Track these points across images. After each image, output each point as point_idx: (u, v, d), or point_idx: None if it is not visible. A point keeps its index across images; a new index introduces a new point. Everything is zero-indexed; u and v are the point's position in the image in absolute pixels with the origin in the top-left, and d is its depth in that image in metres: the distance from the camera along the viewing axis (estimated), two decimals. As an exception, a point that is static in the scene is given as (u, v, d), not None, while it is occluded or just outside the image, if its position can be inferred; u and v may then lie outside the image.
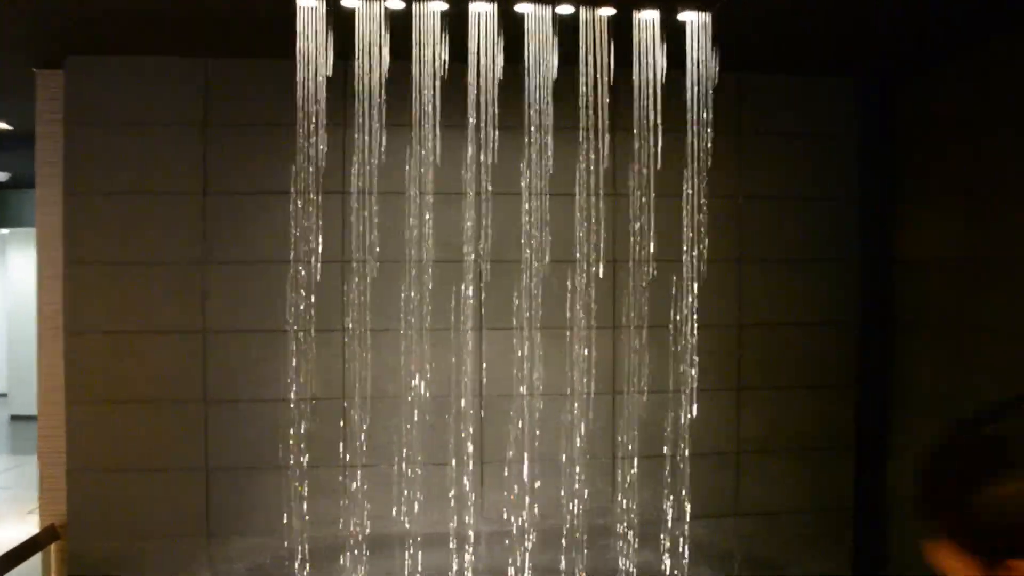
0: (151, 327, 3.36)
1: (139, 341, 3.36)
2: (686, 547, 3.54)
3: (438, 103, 2.99)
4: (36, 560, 3.27)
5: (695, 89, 2.99)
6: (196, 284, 3.38)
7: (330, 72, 2.91)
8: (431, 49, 2.75)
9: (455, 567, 3.44)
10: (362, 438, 3.41)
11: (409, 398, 3.41)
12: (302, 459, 3.38)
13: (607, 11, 2.68)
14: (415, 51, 2.76)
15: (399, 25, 2.71)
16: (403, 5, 2.65)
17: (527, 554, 3.48)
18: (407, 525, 3.43)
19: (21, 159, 5.97)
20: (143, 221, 3.37)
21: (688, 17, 2.74)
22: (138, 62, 3.36)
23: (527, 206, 3.39)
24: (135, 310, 3.36)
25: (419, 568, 3.43)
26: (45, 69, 3.39)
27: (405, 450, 3.43)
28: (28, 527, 4.58)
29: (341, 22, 2.72)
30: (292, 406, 3.37)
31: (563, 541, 3.49)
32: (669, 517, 3.54)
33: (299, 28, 2.72)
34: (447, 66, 2.88)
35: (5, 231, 9.92)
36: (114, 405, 3.34)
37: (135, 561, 3.35)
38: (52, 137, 3.40)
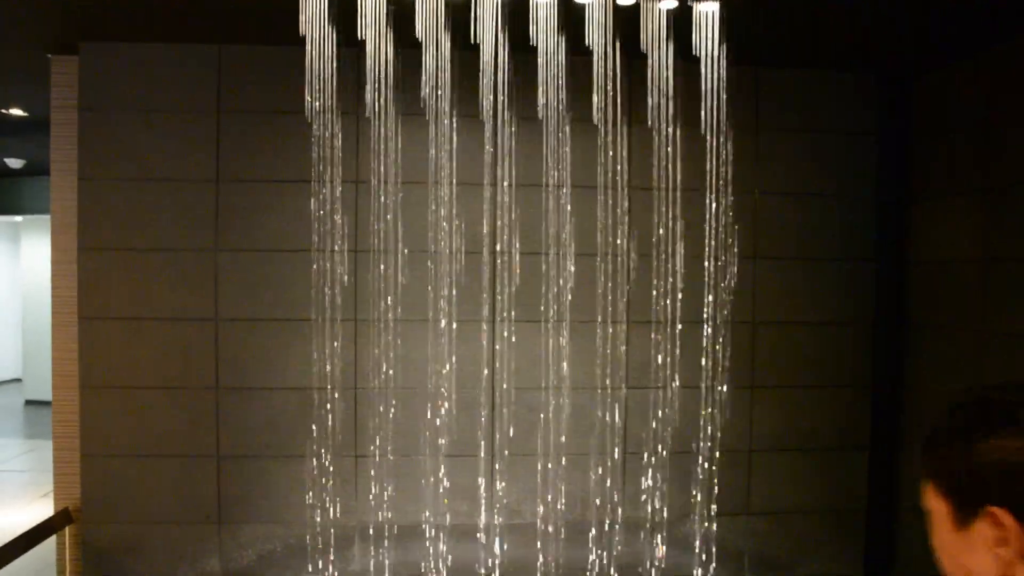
0: (163, 314, 3.37)
1: (151, 328, 3.37)
2: (698, 544, 3.52)
3: (445, 92, 2.97)
4: (51, 542, 3.30)
5: (712, 83, 2.95)
6: (208, 272, 3.39)
7: (343, 59, 2.90)
8: (449, 36, 2.72)
9: (465, 559, 3.45)
10: (373, 427, 3.42)
11: (423, 388, 3.41)
12: (314, 448, 3.39)
13: (624, 1, 2.65)
14: (433, 37, 2.74)
15: (412, 13, 2.69)
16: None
17: (536, 547, 3.48)
18: (422, 515, 3.44)
19: (36, 146, 6.01)
20: (156, 208, 3.38)
21: (707, 8, 2.70)
22: (152, 49, 3.35)
23: (548, 198, 3.37)
24: (148, 297, 3.37)
25: (434, 559, 3.44)
26: (60, 55, 3.40)
27: (420, 440, 3.43)
28: (43, 510, 4.63)
29: (354, 8, 2.70)
30: (304, 395, 3.38)
31: (572, 535, 3.49)
32: (679, 514, 3.53)
33: (311, 14, 2.71)
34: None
35: (20, 218, 9.99)
36: (127, 391, 3.36)
37: (147, 545, 3.37)
38: (66, 124, 3.41)
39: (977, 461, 0.75)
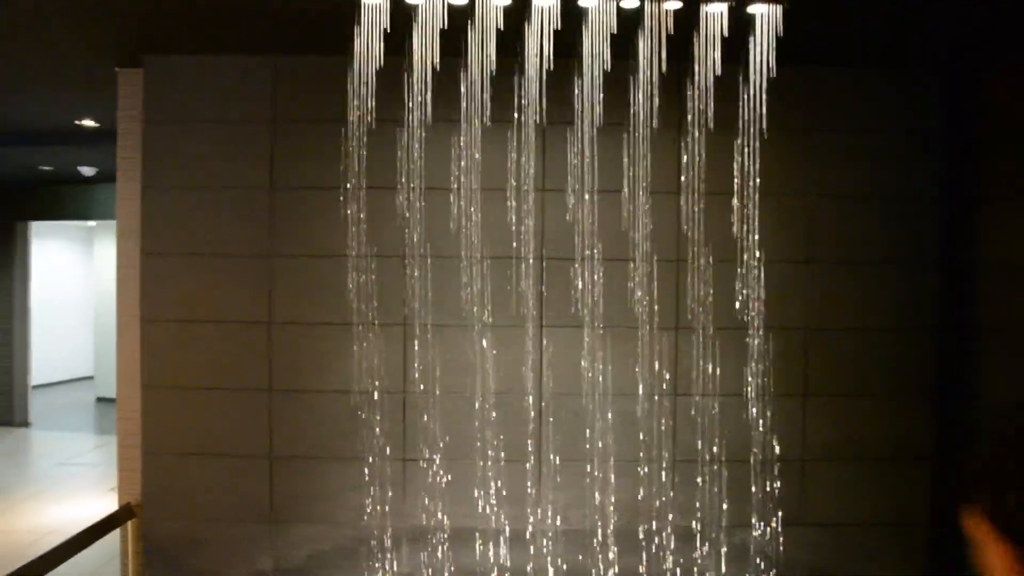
0: (220, 317, 3.48)
1: (209, 330, 3.49)
2: (750, 554, 3.44)
3: (488, 99, 2.98)
4: (115, 535, 3.45)
5: (762, 84, 2.89)
6: (263, 276, 3.48)
7: (388, 68, 2.94)
8: (494, 45, 2.73)
9: (501, 564, 3.45)
10: (422, 430, 3.45)
11: (472, 392, 3.43)
12: (363, 450, 3.44)
13: (673, 4, 2.61)
14: (474, 47, 2.75)
15: (460, 22, 2.71)
16: (465, 1, 2.64)
17: (574, 554, 3.45)
18: (472, 520, 3.46)
19: (107, 155, 6.28)
20: (215, 214, 3.49)
21: (757, 10, 2.64)
22: (211, 61, 3.47)
23: (589, 204, 3.35)
24: (206, 300, 3.49)
25: (482, 564, 3.45)
26: (126, 68, 3.55)
27: (468, 444, 3.45)
28: (110, 503, 4.83)
29: (403, 18, 2.74)
30: (355, 397, 3.44)
31: (616, 543, 3.45)
32: (731, 523, 3.45)
33: (360, 25, 2.76)
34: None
35: (93, 223, 10.47)
36: (185, 391, 3.48)
37: (203, 542, 3.48)
38: (132, 133, 3.56)
39: None
